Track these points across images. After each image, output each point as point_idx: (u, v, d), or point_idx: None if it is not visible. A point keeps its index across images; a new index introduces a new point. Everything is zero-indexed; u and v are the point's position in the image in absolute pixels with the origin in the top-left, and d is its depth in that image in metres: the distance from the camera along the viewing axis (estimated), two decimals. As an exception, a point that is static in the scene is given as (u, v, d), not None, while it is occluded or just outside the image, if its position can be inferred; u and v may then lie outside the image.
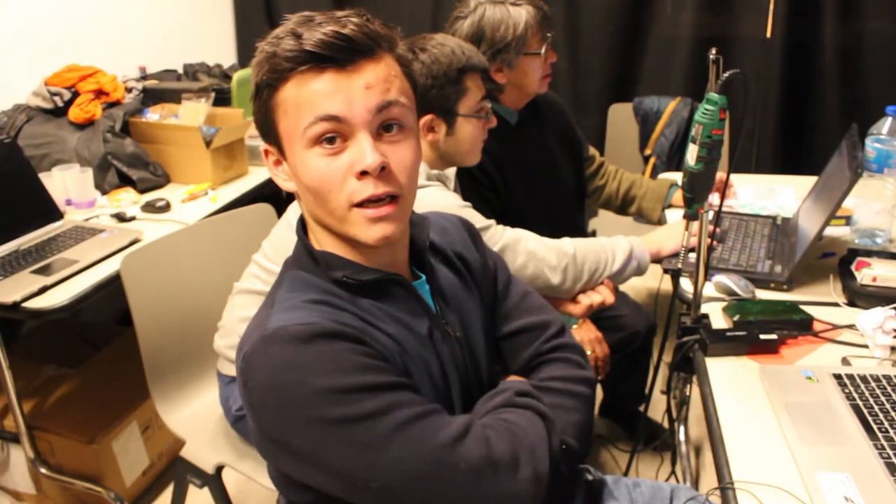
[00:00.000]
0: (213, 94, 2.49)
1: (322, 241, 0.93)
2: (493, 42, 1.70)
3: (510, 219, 1.74)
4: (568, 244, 1.53)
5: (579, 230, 2.02)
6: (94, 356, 2.20)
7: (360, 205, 0.85)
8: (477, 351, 1.03)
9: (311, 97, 0.83)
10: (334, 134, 0.84)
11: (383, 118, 0.85)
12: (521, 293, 1.15)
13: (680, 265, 1.44)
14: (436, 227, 1.08)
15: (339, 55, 0.83)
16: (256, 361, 0.82)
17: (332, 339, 0.82)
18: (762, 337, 1.26)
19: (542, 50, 1.74)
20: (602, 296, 1.53)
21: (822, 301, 1.43)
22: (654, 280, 1.84)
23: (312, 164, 0.85)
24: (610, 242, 1.57)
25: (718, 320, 1.37)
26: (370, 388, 0.81)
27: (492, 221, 1.48)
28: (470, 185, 1.74)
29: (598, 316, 1.60)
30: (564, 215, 1.96)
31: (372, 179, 0.84)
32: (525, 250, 1.48)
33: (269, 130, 0.89)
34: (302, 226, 0.96)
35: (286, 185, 0.92)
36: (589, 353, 1.75)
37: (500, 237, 1.47)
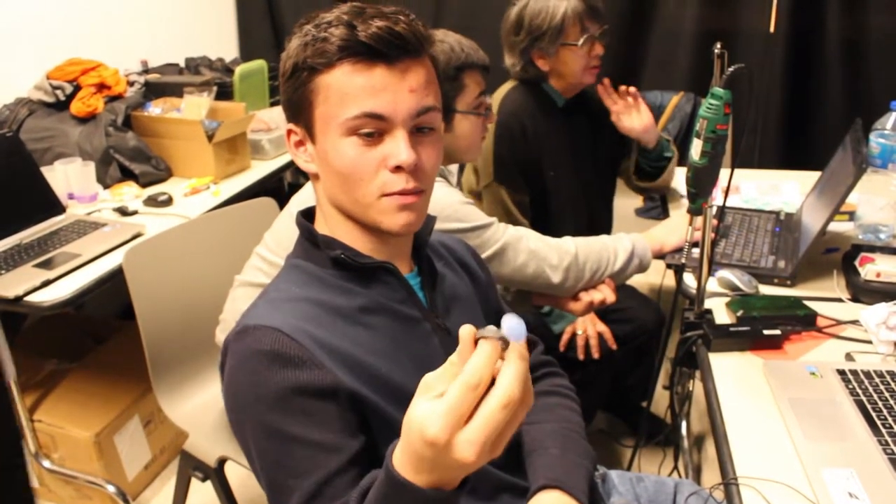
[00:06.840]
0: (215, 88, 2.48)
1: (332, 227, 0.94)
2: (530, 30, 1.80)
3: (535, 188, 1.85)
4: (570, 243, 1.52)
5: (605, 225, 2.05)
6: (96, 350, 2.20)
7: (390, 194, 0.88)
8: None
9: (357, 90, 0.85)
10: (373, 128, 0.86)
11: (420, 121, 0.88)
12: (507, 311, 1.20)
13: (683, 260, 1.44)
14: (441, 240, 1.12)
15: (391, 51, 0.85)
16: (229, 349, 0.88)
17: (282, 366, 0.83)
18: (766, 332, 1.26)
19: (580, 42, 1.78)
20: (603, 294, 1.53)
21: (825, 297, 1.43)
22: (657, 275, 1.84)
23: (347, 152, 0.87)
24: (612, 241, 1.56)
25: (722, 316, 1.37)
26: (287, 436, 0.83)
27: (493, 219, 1.47)
28: (508, 138, 1.82)
29: (604, 309, 1.60)
30: (594, 206, 2.00)
31: (405, 174, 0.87)
32: (526, 249, 1.47)
33: (300, 112, 0.90)
34: (305, 214, 0.98)
35: (307, 166, 0.94)
36: (580, 332, 1.77)
37: (502, 235, 1.46)
